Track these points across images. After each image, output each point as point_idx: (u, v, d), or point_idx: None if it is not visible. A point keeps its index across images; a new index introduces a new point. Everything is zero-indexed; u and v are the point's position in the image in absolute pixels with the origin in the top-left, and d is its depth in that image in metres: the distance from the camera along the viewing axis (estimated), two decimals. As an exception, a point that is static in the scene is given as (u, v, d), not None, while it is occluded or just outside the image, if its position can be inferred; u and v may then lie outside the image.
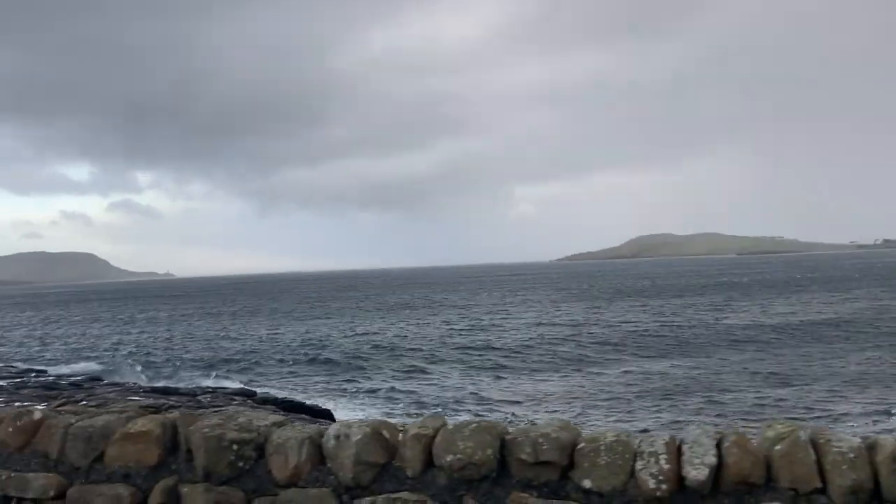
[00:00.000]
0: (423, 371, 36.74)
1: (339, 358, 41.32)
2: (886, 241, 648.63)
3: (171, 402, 22.62)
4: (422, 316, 69.30)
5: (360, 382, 34.68)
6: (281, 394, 30.20)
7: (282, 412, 23.83)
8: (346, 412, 27.47)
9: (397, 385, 33.13)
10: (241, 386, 29.69)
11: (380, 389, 32.26)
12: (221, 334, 56.02)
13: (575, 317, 60.33)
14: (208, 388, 28.37)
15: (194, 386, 29.39)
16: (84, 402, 21.66)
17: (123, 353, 46.28)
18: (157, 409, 18.96)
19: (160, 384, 30.86)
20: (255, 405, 24.87)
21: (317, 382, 34.91)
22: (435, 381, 33.94)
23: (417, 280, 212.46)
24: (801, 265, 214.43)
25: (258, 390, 29.65)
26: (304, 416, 23.45)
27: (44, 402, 23.07)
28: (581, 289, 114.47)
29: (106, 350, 48.76)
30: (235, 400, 25.58)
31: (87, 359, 42.91)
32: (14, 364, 38.46)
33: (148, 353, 45.41)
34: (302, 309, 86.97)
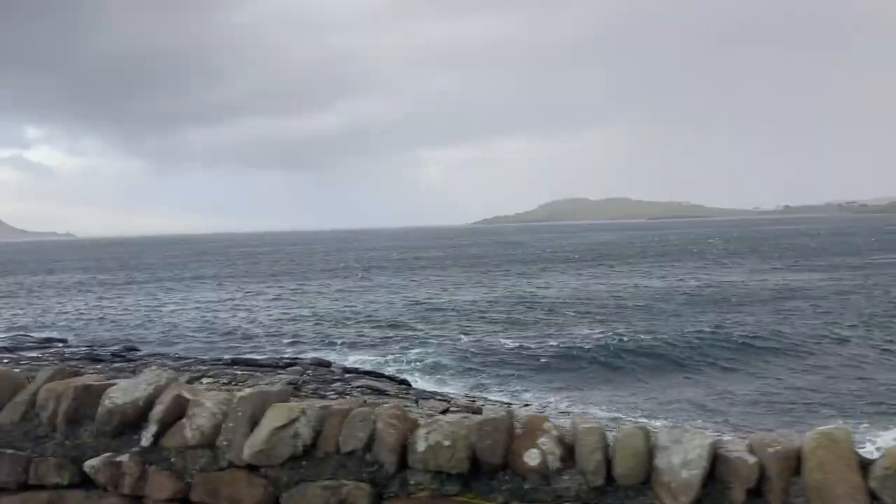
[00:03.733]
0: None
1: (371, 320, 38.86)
2: (787, 206, 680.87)
3: (301, 378, 19.91)
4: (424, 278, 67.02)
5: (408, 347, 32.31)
6: (348, 362, 27.65)
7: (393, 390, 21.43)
8: (423, 384, 25.24)
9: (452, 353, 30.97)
10: (315, 356, 26.92)
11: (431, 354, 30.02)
12: (215, 303, 52.28)
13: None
14: (284, 358, 25.52)
15: (266, 357, 26.44)
16: (216, 380, 18.72)
17: (112, 321, 42.35)
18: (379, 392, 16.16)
19: (213, 355, 27.70)
20: (348, 376, 22.43)
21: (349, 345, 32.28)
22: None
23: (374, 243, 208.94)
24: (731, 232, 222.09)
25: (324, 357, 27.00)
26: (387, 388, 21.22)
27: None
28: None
29: (91, 318, 44.56)
30: (334, 374, 22.97)
31: (84, 328, 38.88)
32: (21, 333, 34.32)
33: (153, 322, 41.64)
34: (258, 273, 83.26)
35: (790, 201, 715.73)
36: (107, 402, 3.34)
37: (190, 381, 18.58)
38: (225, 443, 3.11)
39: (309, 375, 21.15)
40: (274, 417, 3.06)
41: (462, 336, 34.24)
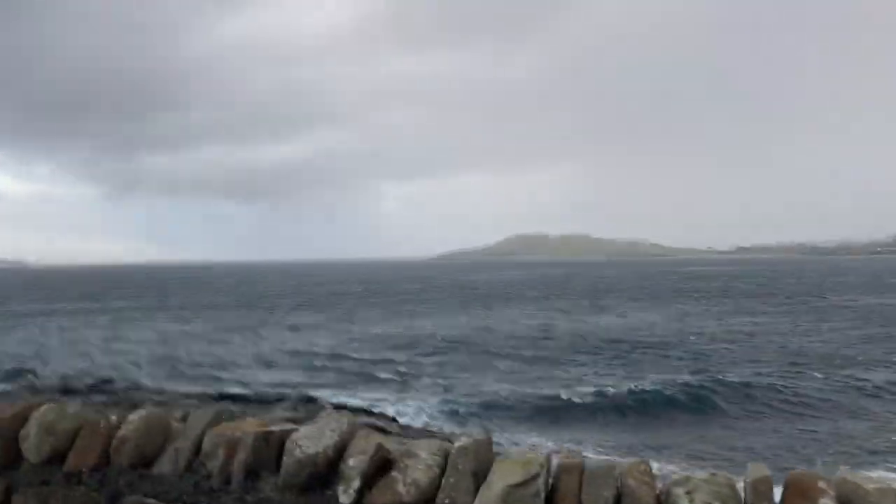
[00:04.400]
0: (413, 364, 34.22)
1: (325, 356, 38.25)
2: (740, 247, 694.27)
3: (297, 414, 19.31)
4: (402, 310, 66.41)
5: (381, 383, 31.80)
6: (328, 395, 27.06)
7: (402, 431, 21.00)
8: (411, 420, 24.79)
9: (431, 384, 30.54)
10: (300, 391, 26.30)
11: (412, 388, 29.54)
12: (178, 333, 51.06)
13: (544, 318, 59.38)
14: (270, 393, 24.87)
15: (251, 392, 25.76)
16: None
17: (81, 351, 41.02)
18: (382, 430, 15.79)
19: (189, 389, 26.87)
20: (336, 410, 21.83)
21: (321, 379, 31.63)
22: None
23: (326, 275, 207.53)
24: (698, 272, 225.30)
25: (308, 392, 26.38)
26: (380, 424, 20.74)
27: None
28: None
29: (51, 348, 43.14)
30: (325, 410, 22.38)
31: (46, 359, 37.55)
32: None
33: (117, 353, 40.42)
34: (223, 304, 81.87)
35: (743, 242, 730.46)
36: (297, 452, 3.04)
37: (184, 418, 17.92)
38: (447, 501, 2.83)
39: (302, 412, 20.54)
40: (507, 473, 2.79)
41: (443, 372, 33.86)
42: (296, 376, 33.57)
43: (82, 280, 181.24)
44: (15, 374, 28.44)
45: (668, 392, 26.55)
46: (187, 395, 23.93)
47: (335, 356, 39.08)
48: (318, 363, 37.09)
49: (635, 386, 27.40)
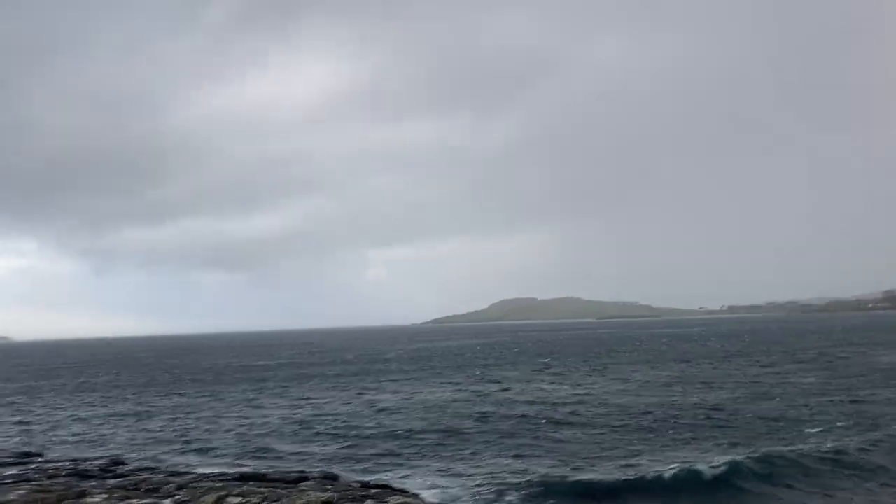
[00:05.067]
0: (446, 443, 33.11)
1: (334, 430, 37.03)
2: (731, 307, 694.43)
3: (333, 495, 18.28)
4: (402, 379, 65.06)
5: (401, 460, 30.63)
6: (349, 474, 25.92)
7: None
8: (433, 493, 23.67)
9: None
10: (322, 469, 25.18)
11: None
12: (177, 409, 49.72)
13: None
14: (292, 471, 23.74)
15: (272, 470, 24.57)
16: (245, 498, 16.95)
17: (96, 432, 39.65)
18: None
19: (202, 470, 25.64)
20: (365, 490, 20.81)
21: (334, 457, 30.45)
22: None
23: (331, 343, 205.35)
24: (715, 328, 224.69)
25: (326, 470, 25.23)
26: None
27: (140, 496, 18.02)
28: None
29: (51, 429, 41.71)
30: (353, 488, 21.32)
31: (49, 440, 36.14)
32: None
33: (119, 432, 39.05)
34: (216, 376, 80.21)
35: (733, 301, 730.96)
36: None
37: (218, 503, 16.89)
38: None
39: (334, 492, 19.47)
40: None
41: (452, 445, 32.76)
42: (309, 448, 32.38)
43: (68, 353, 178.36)
44: (23, 457, 27.11)
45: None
46: (206, 476, 22.77)
47: (348, 427, 37.87)
48: (327, 436, 35.90)
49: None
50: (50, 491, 17.03)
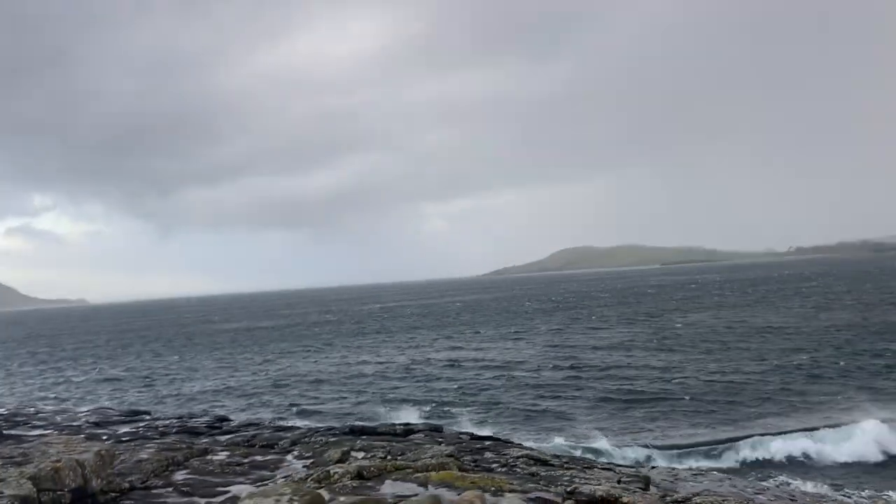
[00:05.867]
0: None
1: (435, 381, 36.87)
2: (798, 248, 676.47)
3: (451, 448, 17.90)
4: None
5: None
6: (459, 426, 25.70)
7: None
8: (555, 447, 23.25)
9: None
10: (424, 421, 24.99)
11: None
12: (258, 364, 50.53)
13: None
14: (397, 425, 23.51)
15: (378, 423, 24.46)
16: (368, 453, 16.67)
17: (194, 388, 40.50)
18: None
19: (327, 424, 25.75)
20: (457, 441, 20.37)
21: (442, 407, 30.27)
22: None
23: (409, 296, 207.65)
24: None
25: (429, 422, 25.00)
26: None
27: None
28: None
29: (148, 385, 42.80)
30: (462, 440, 20.96)
31: (147, 396, 36.94)
32: (107, 407, 32.45)
33: (210, 388, 39.76)
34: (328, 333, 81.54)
35: (802, 242, 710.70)
36: None
37: (342, 458, 16.61)
38: None
39: (447, 444, 19.08)
40: None
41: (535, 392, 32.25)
42: (392, 401, 32.35)
43: (147, 315, 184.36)
44: (132, 415, 27.62)
45: None
46: (316, 431, 22.69)
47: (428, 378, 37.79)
48: (429, 383, 35.85)
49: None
50: (176, 448, 17.01)
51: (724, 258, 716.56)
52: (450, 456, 16.04)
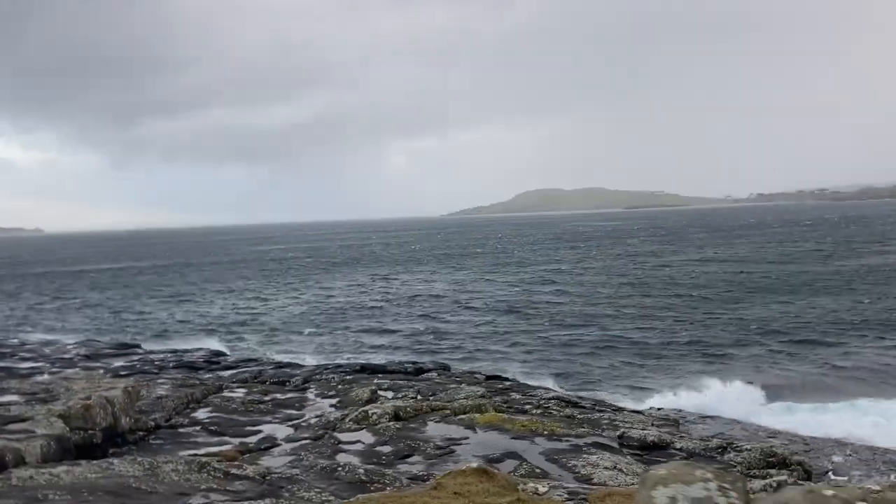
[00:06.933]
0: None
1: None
2: (760, 194, 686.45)
3: (481, 389, 17.42)
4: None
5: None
6: (458, 364, 25.29)
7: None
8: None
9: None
10: (441, 360, 24.55)
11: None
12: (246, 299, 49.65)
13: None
14: (406, 364, 22.98)
15: (387, 362, 23.90)
16: (397, 393, 16.06)
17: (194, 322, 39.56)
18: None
19: (341, 361, 25.18)
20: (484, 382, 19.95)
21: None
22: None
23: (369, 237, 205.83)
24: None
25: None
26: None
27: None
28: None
29: (122, 318, 41.71)
30: (477, 379, 20.52)
31: (164, 334, 35.90)
32: (95, 339, 31.36)
33: (193, 321, 38.87)
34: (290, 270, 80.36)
35: (762, 189, 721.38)
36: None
37: (371, 399, 16.03)
38: None
39: (470, 385, 18.58)
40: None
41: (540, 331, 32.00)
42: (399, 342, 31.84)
43: (109, 246, 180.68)
44: (123, 348, 26.68)
45: None
46: (325, 368, 22.05)
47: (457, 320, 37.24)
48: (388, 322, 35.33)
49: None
50: (192, 385, 16.24)
51: (684, 203, 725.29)
52: (482, 397, 15.55)
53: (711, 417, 20.35)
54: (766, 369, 23.77)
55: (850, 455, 15.09)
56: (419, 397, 15.64)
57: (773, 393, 20.90)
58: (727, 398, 21.01)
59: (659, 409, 19.77)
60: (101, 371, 21.23)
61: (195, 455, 11.60)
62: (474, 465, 7.76)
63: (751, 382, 22.28)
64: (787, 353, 25.81)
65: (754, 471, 11.83)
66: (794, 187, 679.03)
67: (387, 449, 11.62)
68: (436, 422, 13.24)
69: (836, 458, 15.04)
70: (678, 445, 12.67)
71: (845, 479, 13.66)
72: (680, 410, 20.73)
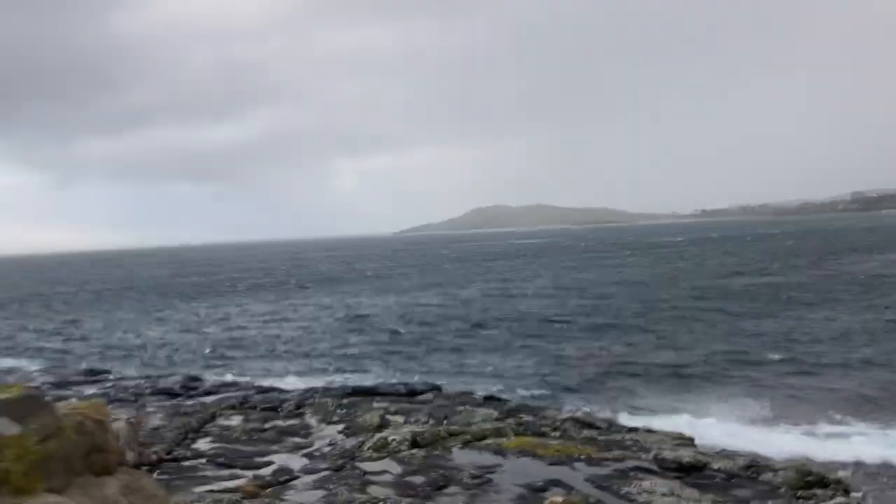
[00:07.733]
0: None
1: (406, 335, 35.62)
2: (704, 210, 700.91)
3: (498, 413, 16.72)
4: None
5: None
6: (450, 384, 24.52)
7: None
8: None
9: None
10: (422, 380, 23.71)
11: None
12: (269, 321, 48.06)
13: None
14: (396, 385, 22.17)
15: (377, 383, 23.02)
16: (407, 418, 15.23)
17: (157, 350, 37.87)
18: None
19: (322, 383, 24.15)
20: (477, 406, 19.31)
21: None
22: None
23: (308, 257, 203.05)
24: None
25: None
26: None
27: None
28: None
29: (82, 342, 39.91)
30: (477, 401, 19.82)
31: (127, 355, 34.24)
32: (59, 366, 29.77)
33: (161, 344, 37.29)
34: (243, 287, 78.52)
35: (705, 205, 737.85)
36: None
37: (382, 425, 15.18)
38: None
39: (470, 406, 17.85)
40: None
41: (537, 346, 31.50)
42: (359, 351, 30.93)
43: (59, 268, 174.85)
44: (91, 375, 25.26)
45: None
46: (314, 391, 21.06)
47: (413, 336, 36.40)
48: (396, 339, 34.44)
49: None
50: (187, 414, 15.20)
51: (629, 220, 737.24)
52: (498, 420, 14.89)
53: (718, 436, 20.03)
54: (762, 386, 23.60)
55: (879, 475, 14.81)
56: (432, 422, 14.88)
57: (776, 410, 20.67)
58: (728, 416, 20.73)
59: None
60: (75, 401, 19.93)
61: (211, 492, 10.68)
62: (559, 500, 7.10)
63: (747, 398, 22.07)
64: (785, 371, 25.70)
65: (800, 491, 11.42)
66: (738, 203, 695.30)
67: (419, 479, 10.87)
68: (459, 448, 12.54)
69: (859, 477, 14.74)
70: (715, 466, 12.19)
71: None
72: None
